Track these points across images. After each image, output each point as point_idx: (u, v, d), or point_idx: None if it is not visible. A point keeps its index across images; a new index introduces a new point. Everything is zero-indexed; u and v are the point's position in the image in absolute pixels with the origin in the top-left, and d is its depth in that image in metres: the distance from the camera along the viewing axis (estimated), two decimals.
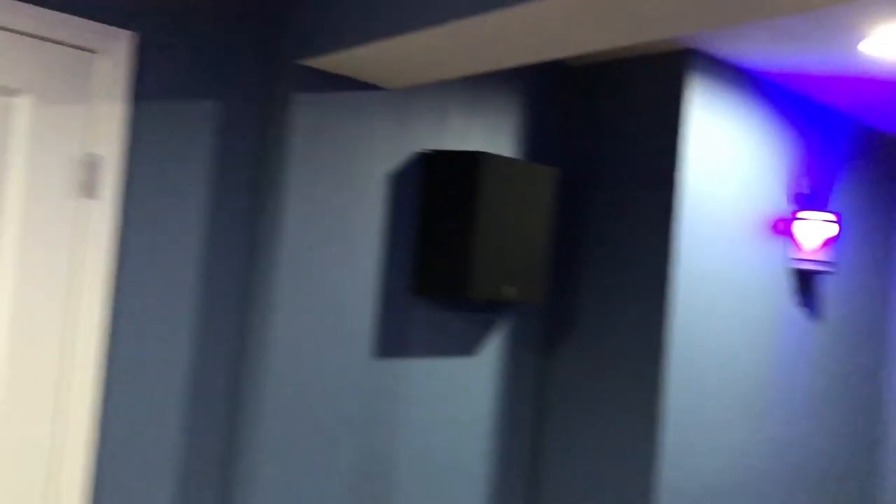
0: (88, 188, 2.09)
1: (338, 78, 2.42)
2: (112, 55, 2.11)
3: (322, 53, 2.24)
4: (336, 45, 2.20)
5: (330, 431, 2.45)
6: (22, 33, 1.99)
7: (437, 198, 2.66)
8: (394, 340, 2.66)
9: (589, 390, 2.97)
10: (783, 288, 3.18)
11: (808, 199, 3.26)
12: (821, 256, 3.16)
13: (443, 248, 2.63)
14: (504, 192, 2.64)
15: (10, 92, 1.98)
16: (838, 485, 3.52)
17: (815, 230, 3.13)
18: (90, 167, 2.09)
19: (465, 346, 2.87)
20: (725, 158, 2.92)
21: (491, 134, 2.90)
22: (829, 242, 3.16)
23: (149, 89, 2.19)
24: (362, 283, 2.52)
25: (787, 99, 3.16)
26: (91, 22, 2.08)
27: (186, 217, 2.27)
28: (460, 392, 2.86)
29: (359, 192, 2.50)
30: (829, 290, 3.41)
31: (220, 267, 2.35)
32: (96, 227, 2.09)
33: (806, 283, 3.27)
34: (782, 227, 3.16)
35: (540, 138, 3.06)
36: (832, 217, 3.15)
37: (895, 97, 3.12)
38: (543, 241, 2.76)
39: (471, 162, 2.60)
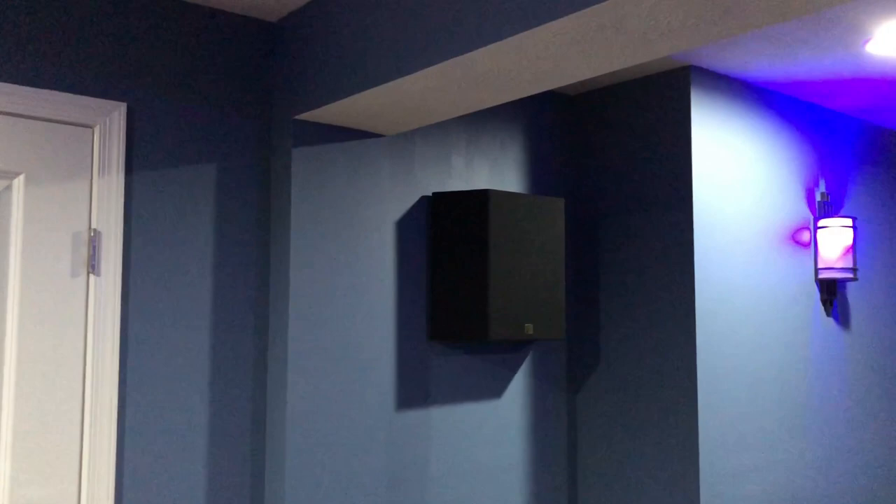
0: (90, 264, 2.04)
1: (336, 129, 2.39)
2: (107, 128, 2.08)
3: (317, 106, 2.21)
4: (329, 97, 2.17)
5: (357, 488, 2.37)
6: (16, 115, 1.96)
7: (447, 239, 2.61)
8: (415, 389, 2.59)
9: (620, 423, 2.88)
10: (809, 299, 3.09)
11: (825, 205, 3.18)
12: (843, 263, 3.07)
13: (457, 289, 2.56)
14: (514, 228, 2.58)
15: (7, 174, 1.95)
16: (889, 499, 3.39)
17: (835, 237, 3.06)
18: (90, 242, 2.05)
19: (489, 388, 2.79)
20: (736, 173, 2.86)
21: (494, 170, 2.85)
22: (850, 248, 3.08)
23: (144, 159, 2.16)
24: (378, 333, 2.45)
25: (794, 107, 3.11)
26: (85, 97, 2.05)
27: (192, 282, 2.22)
28: (489, 436, 2.77)
29: (367, 240, 2.45)
30: (853, 298, 3.32)
31: (231, 328, 2.29)
32: (101, 302, 2.05)
33: (831, 291, 3.18)
34: (801, 237, 3.09)
35: (544, 170, 3.02)
36: (850, 222, 3.07)
37: None
38: (558, 275, 2.69)
39: (478, 200, 2.55)
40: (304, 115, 2.29)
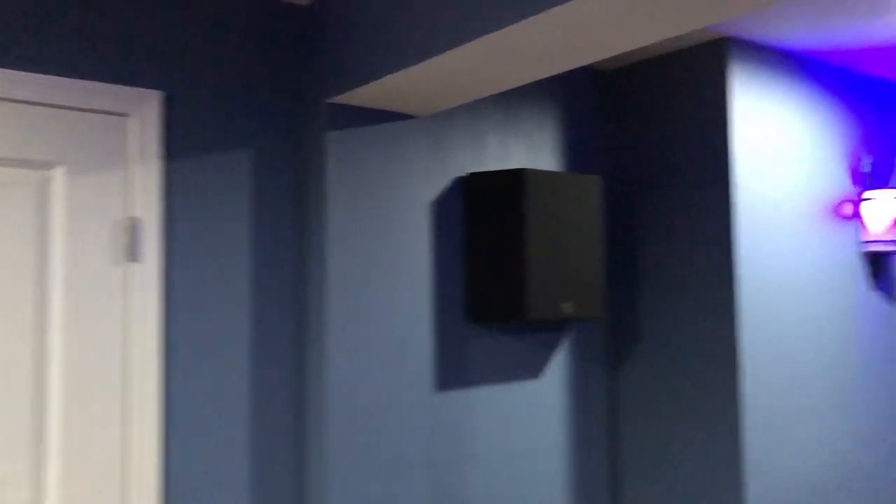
0: (131, 252, 2.06)
1: (369, 111, 2.37)
2: (143, 117, 2.10)
3: (349, 89, 2.20)
4: (361, 80, 2.16)
5: (397, 472, 2.38)
6: (53, 105, 1.98)
7: (483, 220, 2.59)
8: (454, 371, 2.58)
9: (662, 401, 2.85)
10: (855, 274, 3.02)
11: (872, 177, 3.09)
12: (891, 236, 2.99)
13: (494, 270, 2.55)
14: (550, 207, 2.55)
15: (46, 165, 1.98)
16: None
17: (884, 209, 2.97)
18: (130, 231, 2.07)
19: (529, 369, 2.78)
20: (778, 146, 2.79)
21: (530, 150, 2.82)
22: None
23: (181, 146, 2.17)
24: (415, 314, 2.45)
25: (836, 76, 3.02)
26: (120, 86, 2.07)
27: (231, 267, 2.24)
28: (529, 418, 2.76)
29: (402, 222, 2.44)
30: None
31: (271, 313, 2.31)
32: (143, 289, 2.07)
33: (878, 266, 3.10)
34: (847, 210, 3.01)
35: (580, 148, 2.97)
36: None
37: None
38: (596, 253, 2.66)
39: (513, 180, 2.52)
40: (338, 99, 2.28)
